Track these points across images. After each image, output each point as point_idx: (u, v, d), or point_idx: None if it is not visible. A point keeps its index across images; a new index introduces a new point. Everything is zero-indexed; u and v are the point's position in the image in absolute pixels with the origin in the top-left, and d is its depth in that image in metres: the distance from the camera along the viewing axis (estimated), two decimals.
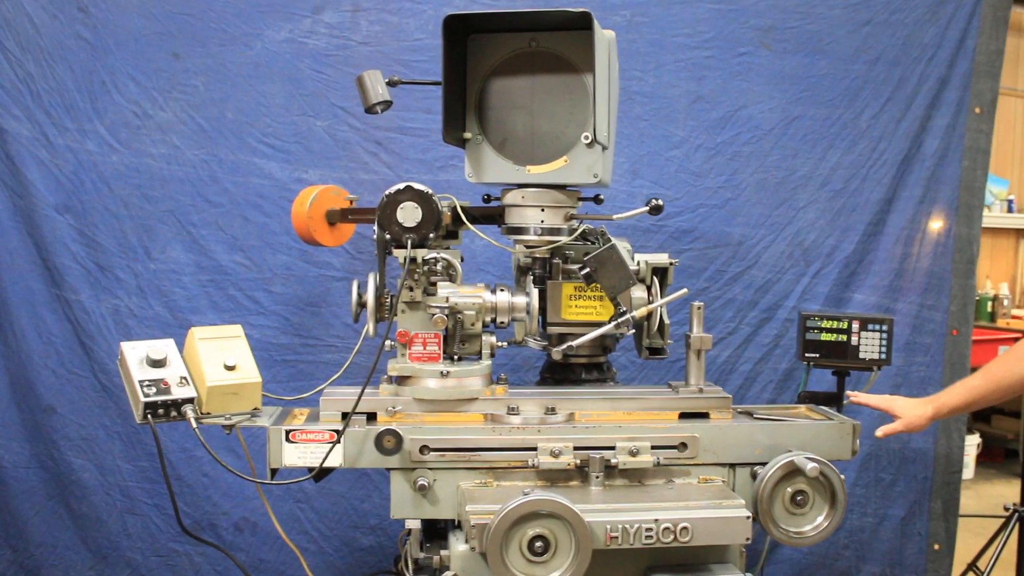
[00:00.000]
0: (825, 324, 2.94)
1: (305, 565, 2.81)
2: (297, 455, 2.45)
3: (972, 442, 6.37)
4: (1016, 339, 6.15)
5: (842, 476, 2.50)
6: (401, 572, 2.64)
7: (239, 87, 3.56)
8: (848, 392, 2.66)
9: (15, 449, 3.62)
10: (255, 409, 2.55)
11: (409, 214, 2.52)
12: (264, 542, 3.62)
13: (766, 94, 3.77)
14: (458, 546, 2.39)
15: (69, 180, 3.53)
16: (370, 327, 2.57)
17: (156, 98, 3.55)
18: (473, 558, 2.32)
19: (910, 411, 2.49)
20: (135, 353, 2.50)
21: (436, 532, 2.66)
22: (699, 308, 2.69)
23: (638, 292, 2.66)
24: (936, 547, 3.95)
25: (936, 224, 3.87)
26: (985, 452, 6.80)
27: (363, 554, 3.67)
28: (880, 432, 2.51)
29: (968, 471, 6.27)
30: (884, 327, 2.91)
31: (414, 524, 2.51)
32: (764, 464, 2.52)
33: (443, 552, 2.46)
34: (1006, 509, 3.82)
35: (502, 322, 2.64)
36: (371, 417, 2.54)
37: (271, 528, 3.02)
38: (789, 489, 2.51)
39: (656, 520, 2.25)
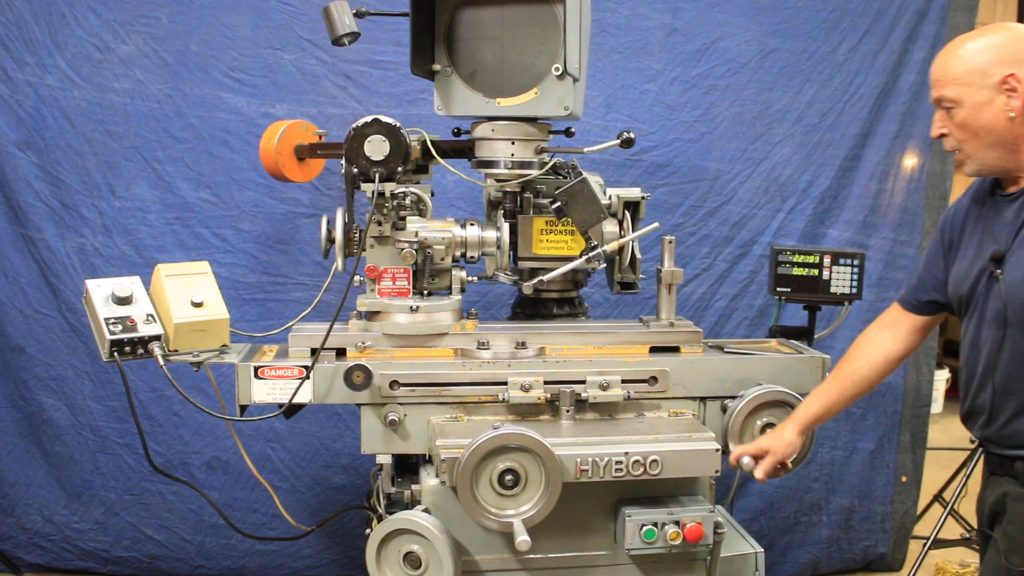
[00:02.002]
0: (797, 258, 2.93)
1: (278, 502, 2.82)
2: (266, 391, 2.44)
3: (941, 377, 6.47)
4: None
5: None
6: (373, 507, 2.65)
7: (204, 19, 3.47)
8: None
9: None
10: (223, 346, 2.54)
11: (376, 147, 2.48)
12: (236, 480, 3.63)
13: (742, 26, 3.71)
14: (429, 480, 2.41)
15: (30, 116, 3.46)
16: (339, 262, 2.54)
17: (118, 31, 3.46)
18: (444, 492, 2.34)
19: (775, 441, 2.37)
20: (100, 291, 2.48)
21: (407, 467, 2.68)
22: (670, 242, 2.67)
23: (610, 226, 2.64)
24: (904, 479, 4.02)
25: (910, 160, 3.86)
26: (954, 387, 6.89)
27: (336, 492, 3.69)
28: (759, 474, 2.35)
29: (937, 405, 6.38)
30: (856, 261, 2.91)
31: (385, 459, 2.51)
32: (735, 397, 2.54)
33: (414, 487, 2.48)
34: (972, 442, 3.87)
35: (472, 257, 2.62)
36: (340, 353, 2.53)
37: (243, 467, 3.02)
38: (759, 422, 2.54)
39: (626, 453, 2.27)
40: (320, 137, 2.81)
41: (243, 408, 2.49)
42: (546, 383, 2.45)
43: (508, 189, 2.68)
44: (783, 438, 2.37)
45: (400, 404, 2.45)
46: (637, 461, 2.27)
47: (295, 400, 2.43)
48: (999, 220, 2.05)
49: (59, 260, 3.50)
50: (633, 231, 2.67)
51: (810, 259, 2.92)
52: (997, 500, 2.09)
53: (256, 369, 2.43)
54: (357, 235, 2.56)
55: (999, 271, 2.00)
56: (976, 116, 1.97)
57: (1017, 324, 1.98)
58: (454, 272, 2.63)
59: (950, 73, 1.99)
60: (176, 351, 2.47)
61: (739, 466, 2.37)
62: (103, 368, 3.50)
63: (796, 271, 2.93)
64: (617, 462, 2.26)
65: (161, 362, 2.41)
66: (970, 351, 2.12)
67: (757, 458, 2.37)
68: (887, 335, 2.36)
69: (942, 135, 2.05)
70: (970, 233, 2.15)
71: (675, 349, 2.66)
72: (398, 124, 2.50)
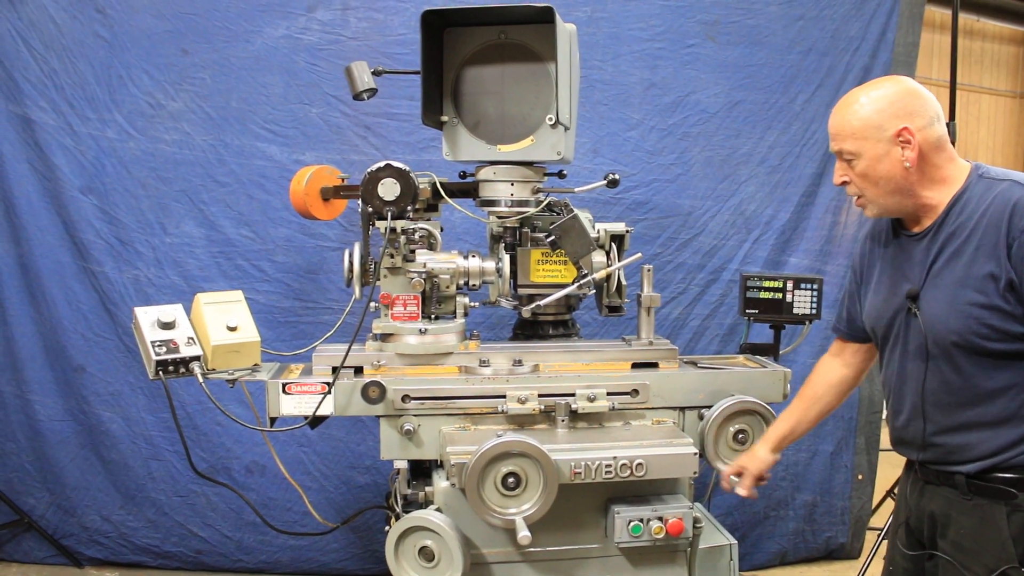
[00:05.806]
0: (764, 284, 2.86)
1: (307, 502, 2.74)
2: (293, 405, 2.37)
3: None
4: None
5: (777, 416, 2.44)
6: (392, 507, 2.58)
7: (242, 79, 3.45)
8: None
9: (50, 404, 3.55)
10: (255, 365, 2.48)
11: (389, 189, 2.43)
12: (272, 482, 3.56)
13: (712, 81, 3.67)
14: (441, 483, 2.34)
15: (92, 164, 3.43)
16: (356, 290, 2.49)
17: (168, 90, 3.43)
18: (454, 493, 2.28)
19: (749, 461, 2.32)
20: (147, 317, 2.43)
21: (422, 471, 2.60)
22: (649, 270, 2.62)
23: (598, 257, 2.59)
24: (859, 477, 3.93)
25: None
26: None
27: (359, 491, 3.61)
28: (742, 492, 2.31)
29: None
30: (815, 286, 2.85)
31: (402, 464, 2.45)
32: (709, 407, 2.47)
33: (428, 488, 2.41)
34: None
35: (474, 284, 2.56)
36: (358, 370, 2.46)
37: (278, 470, 2.94)
38: (732, 428, 2.46)
39: (615, 457, 2.20)
40: (343, 180, 2.77)
41: (273, 420, 2.42)
42: (540, 396, 2.38)
43: (508, 225, 2.63)
44: (756, 456, 2.31)
45: (414, 415, 2.38)
46: (624, 464, 2.20)
47: (318, 412, 2.37)
48: (909, 259, 1.92)
49: (116, 290, 3.46)
50: (619, 261, 2.62)
51: (775, 284, 2.85)
52: (940, 511, 1.93)
53: (284, 385, 2.37)
54: (372, 266, 2.50)
55: (915, 308, 1.87)
56: (875, 167, 1.83)
57: (939, 356, 1.85)
58: (458, 298, 2.57)
59: (847, 128, 1.85)
60: (214, 370, 2.41)
61: (733, 488, 2.34)
62: (155, 385, 3.42)
63: (763, 295, 2.86)
64: (607, 465, 2.19)
65: (200, 380, 2.35)
66: (897, 382, 1.98)
67: (739, 475, 2.32)
68: (837, 361, 2.27)
69: (844, 183, 1.92)
70: (880, 270, 2.02)
71: (654, 365, 2.59)
72: (407, 168, 2.45)
